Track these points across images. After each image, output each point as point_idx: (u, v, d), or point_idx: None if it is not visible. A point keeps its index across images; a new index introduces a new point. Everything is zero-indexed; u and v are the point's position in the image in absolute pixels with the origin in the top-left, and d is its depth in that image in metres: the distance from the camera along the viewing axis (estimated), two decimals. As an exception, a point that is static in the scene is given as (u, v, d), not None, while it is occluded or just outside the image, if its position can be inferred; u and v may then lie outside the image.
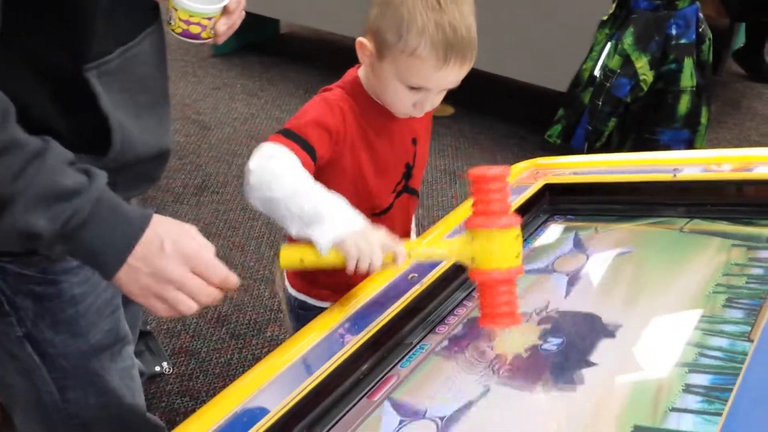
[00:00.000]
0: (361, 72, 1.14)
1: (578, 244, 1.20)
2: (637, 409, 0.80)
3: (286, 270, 1.32)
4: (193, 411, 0.91)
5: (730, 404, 0.76)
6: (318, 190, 0.97)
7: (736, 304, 0.96)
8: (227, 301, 2.18)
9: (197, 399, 1.86)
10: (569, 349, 0.94)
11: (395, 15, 1.02)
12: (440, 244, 1.09)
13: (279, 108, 3.41)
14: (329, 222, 0.93)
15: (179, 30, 0.90)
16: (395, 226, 1.24)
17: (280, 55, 3.88)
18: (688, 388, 0.82)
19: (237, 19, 0.93)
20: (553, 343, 0.95)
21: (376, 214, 1.19)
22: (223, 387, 0.90)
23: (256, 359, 2.02)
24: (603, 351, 0.92)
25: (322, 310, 1.06)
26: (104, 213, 0.76)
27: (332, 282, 1.20)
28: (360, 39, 1.08)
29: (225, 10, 0.91)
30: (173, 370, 1.93)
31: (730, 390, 0.79)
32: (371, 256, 0.92)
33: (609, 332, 0.95)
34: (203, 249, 0.83)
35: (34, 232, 0.73)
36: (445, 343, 0.99)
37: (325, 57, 3.86)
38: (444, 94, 1.10)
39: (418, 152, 1.22)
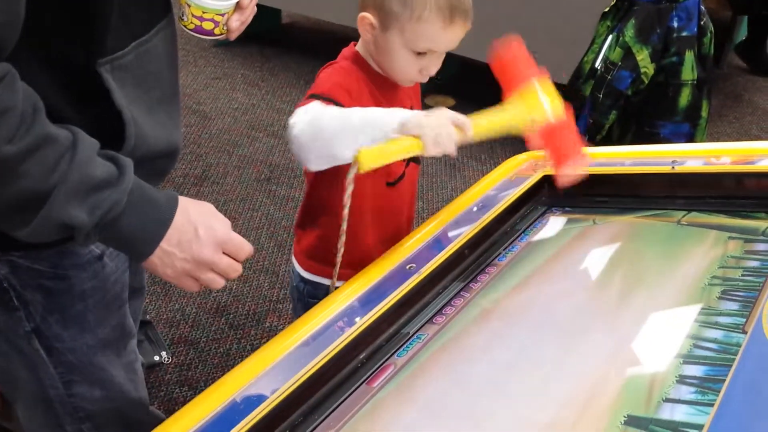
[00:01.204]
0: (360, 47, 1.18)
1: (577, 236, 1.21)
2: (630, 399, 0.81)
3: (296, 256, 1.33)
4: (192, 401, 0.92)
5: (722, 395, 0.77)
6: (359, 109, 1.05)
7: (731, 296, 0.97)
8: (226, 292, 2.19)
9: (196, 389, 1.87)
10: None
11: None
12: (495, 115, 1.11)
13: (280, 98, 3.41)
14: (390, 114, 1.01)
15: (192, 26, 0.90)
16: (405, 196, 1.27)
17: (281, 45, 3.87)
18: (682, 379, 0.82)
19: (249, 14, 0.94)
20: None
21: (390, 184, 1.22)
22: (222, 376, 0.91)
23: (255, 349, 2.01)
24: (598, 341, 0.92)
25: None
26: (137, 202, 0.79)
27: (346, 259, 1.21)
28: (362, 14, 1.12)
29: (238, 6, 0.91)
30: (172, 359, 1.94)
31: (723, 381, 0.79)
32: (445, 128, 0.99)
33: (605, 323, 0.96)
34: (231, 231, 0.88)
35: (72, 224, 0.75)
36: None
37: (326, 47, 3.83)
38: (443, 57, 1.15)
39: None
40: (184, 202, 0.84)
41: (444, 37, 1.09)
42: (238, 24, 0.92)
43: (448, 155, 1.01)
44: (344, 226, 1.04)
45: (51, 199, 0.73)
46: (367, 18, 1.11)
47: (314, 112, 1.03)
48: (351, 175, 0.99)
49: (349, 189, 1.00)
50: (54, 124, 0.74)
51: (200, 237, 0.83)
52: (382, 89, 1.17)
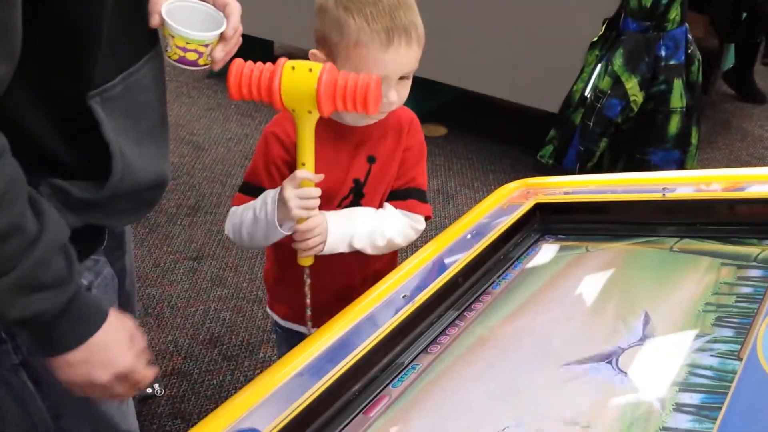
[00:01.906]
0: None
1: (570, 264, 1.21)
2: (627, 428, 0.80)
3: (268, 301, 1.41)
4: (185, 434, 0.91)
5: (719, 423, 0.77)
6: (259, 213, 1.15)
7: (725, 323, 0.97)
8: (220, 322, 2.17)
9: (189, 421, 1.85)
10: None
11: (333, 16, 1.09)
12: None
13: (273, 129, 3.43)
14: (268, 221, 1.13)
15: (176, 57, 0.91)
16: (347, 259, 1.23)
17: (274, 76, 3.91)
18: (679, 407, 0.82)
19: (234, 45, 0.94)
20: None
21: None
22: (215, 409, 0.90)
23: (249, 381, 1.99)
24: (594, 369, 0.92)
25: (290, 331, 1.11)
26: (72, 312, 0.79)
27: (295, 299, 1.23)
28: (311, 51, 1.13)
29: (222, 37, 0.92)
30: (165, 392, 1.92)
31: (720, 408, 0.79)
32: (295, 209, 1.09)
33: (600, 351, 0.95)
34: (137, 362, 0.88)
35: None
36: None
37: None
38: (408, 85, 1.13)
39: (374, 171, 1.21)
40: (108, 324, 0.84)
41: (388, 59, 1.08)
42: (222, 54, 0.92)
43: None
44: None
45: None
46: (316, 55, 1.12)
47: (232, 230, 1.20)
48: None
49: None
50: (29, 209, 0.74)
51: (104, 362, 0.84)
52: (323, 129, 1.12)
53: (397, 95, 1.12)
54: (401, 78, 1.12)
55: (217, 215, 2.72)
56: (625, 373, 0.92)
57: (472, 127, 3.43)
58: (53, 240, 0.76)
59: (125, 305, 1.08)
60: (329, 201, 1.18)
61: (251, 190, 1.19)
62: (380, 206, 1.25)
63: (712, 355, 0.90)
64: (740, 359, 0.88)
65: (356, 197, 1.22)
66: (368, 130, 1.19)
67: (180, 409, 1.88)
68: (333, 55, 1.10)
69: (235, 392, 1.91)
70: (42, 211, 0.75)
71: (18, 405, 0.94)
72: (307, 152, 1.09)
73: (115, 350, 0.85)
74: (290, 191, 1.08)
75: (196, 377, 1.98)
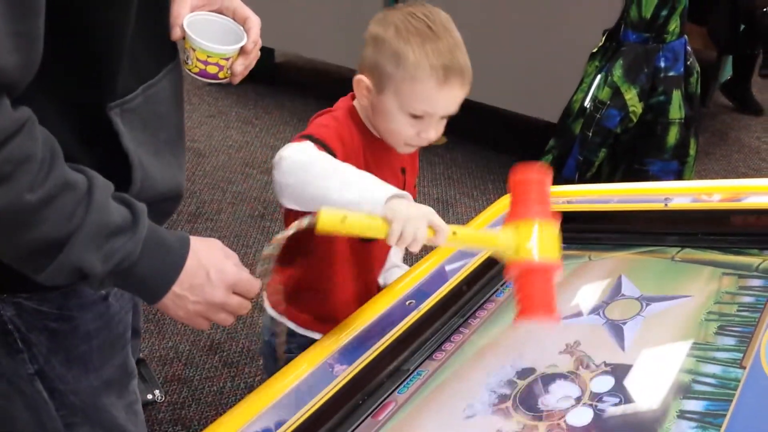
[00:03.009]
0: (357, 104, 1.16)
1: (573, 273, 1.22)
2: (633, 435, 0.81)
3: (266, 290, 1.30)
4: (186, 440, 0.91)
5: (724, 430, 0.77)
6: (354, 168, 0.99)
7: (728, 332, 0.98)
8: (220, 329, 2.17)
9: (189, 428, 1.85)
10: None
11: (391, 47, 1.06)
12: (483, 233, 1.09)
13: (274, 136, 3.44)
14: (374, 185, 0.94)
15: (196, 70, 0.91)
16: (383, 253, 1.26)
17: (275, 83, 3.92)
18: (683, 414, 0.83)
19: (253, 59, 0.95)
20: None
21: (365, 240, 1.20)
22: (216, 416, 0.91)
23: (249, 387, 2.01)
24: (598, 377, 0.93)
25: (305, 338, 1.06)
26: (150, 248, 0.80)
27: (318, 308, 1.21)
28: (358, 76, 1.11)
29: (242, 50, 0.92)
30: (165, 398, 1.92)
31: (724, 416, 0.80)
32: (417, 226, 0.89)
33: (604, 359, 0.96)
34: (241, 270, 0.89)
35: (87, 271, 0.76)
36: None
37: (319, 86, 3.90)
38: (444, 123, 1.12)
39: (407, 181, 1.24)
40: (194, 243, 0.85)
41: (440, 97, 1.06)
42: (242, 68, 0.93)
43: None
44: (268, 266, 0.95)
45: (67, 246, 0.74)
46: (363, 81, 1.10)
47: (309, 153, 1.00)
48: (303, 223, 0.90)
49: (289, 232, 0.92)
50: (70, 167, 0.75)
51: (211, 280, 0.85)
52: (372, 149, 1.14)
53: (435, 133, 1.12)
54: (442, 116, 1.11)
55: (218, 222, 2.72)
56: (630, 380, 0.93)
57: (472, 137, 3.45)
58: (104, 187, 0.77)
59: (135, 314, 1.09)
60: None
61: (320, 144, 1.06)
62: None
63: (714, 364, 0.91)
64: (743, 367, 0.89)
65: None
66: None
67: (180, 415, 1.88)
68: (382, 84, 1.08)
69: (235, 399, 1.92)
70: (80, 168, 0.76)
71: (31, 413, 0.94)
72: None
73: (215, 265, 0.86)
74: (422, 222, 0.91)
75: (197, 384, 1.98)
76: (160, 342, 2.11)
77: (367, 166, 1.14)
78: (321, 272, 1.19)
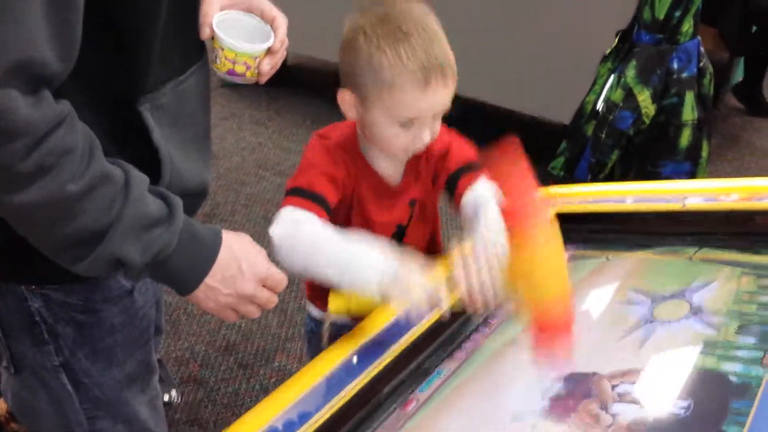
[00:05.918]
0: (357, 128, 1.12)
1: (592, 272, 1.22)
2: (656, 432, 0.81)
3: (307, 293, 1.34)
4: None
5: (749, 426, 0.78)
6: (343, 237, 1.00)
7: (748, 331, 0.98)
8: (235, 329, 2.19)
9: (206, 429, 1.86)
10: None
11: (363, 56, 1.02)
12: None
13: (287, 138, 3.45)
14: (364, 266, 0.96)
15: (225, 69, 0.93)
16: (418, 246, 1.25)
17: (288, 86, 3.92)
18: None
19: (280, 58, 0.96)
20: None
21: (399, 238, 1.20)
22: (232, 417, 0.92)
23: (264, 389, 2.01)
24: (619, 374, 0.93)
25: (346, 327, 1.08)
26: (185, 241, 0.82)
27: None
28: (340, 92, 1.07)
29: (269, 50, 0.94)
30: (181, 398, 1.93)
31: (748, 414, 0.80)
32: (417, 304, 0.94)
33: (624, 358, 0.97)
34: (271, 265, 0.91)
35: (125, 262, 0.78)
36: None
37: (332, 88, 3.90)
38: (440, 117, 1.07)
39: (417, 213, 1.20)
40: (227, 237, 0.87)
41: (424, 101, 1.01)
42: (269, 68, 0.94)
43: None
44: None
45: (107, 237, 0.75)
46: (346, 98, 1.06)
47: (294, 232, 1.01)
48: (326, 324, 1.05)
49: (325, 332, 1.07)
50: (107, 160, 0.76)
51: (243, 273, 0.86)
52: (371, 182, 1.11)
53: (431, 133, 1.06)
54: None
55: (232, 223, 2.74)
56: (650, 378, 0.93)
57: (484, 139, 3.44)
58: (140, 179, 0.79)
59: (157, 305, 1.10)
60: None
61: (311, 196, 1.06)
62: (424, 242, 1.23)
63: (736, 362, 0.92)
64: (765, 366, 0.89)
65: (398, 240, 1.19)
66: (407, 179, 1.16)
67: (197, 416, 1.89)
68: (363, 97, 1.04)
69: (250, 400, 1.93)
70: (116, 161, 0.78)
71: (55, 407, 0.95)
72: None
73: (246, 258, 0.88)
74: (422, 298, 0.94)
75: (213, 384, 1.99)
76: (175, 343, 2.13)
77: (359, 199, 1.12)
78: None
